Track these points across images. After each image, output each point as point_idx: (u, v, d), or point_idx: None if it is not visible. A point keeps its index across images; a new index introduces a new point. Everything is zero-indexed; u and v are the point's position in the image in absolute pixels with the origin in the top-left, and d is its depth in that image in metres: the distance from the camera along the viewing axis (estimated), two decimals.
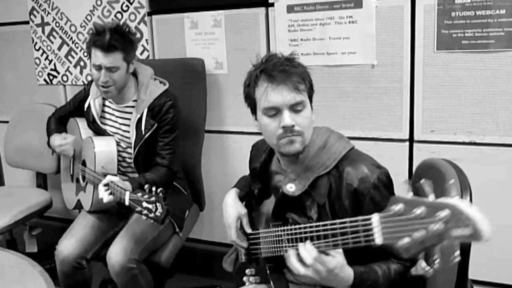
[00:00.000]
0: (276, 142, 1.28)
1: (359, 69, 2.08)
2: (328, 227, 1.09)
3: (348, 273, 1.15)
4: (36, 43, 2.88)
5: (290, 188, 1.29)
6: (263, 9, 2.23)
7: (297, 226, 1.20)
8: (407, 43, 1.97)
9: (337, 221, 1.07)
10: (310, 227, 1.14)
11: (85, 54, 1.98)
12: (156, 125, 1.96)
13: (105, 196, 1.76)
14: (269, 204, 1.43)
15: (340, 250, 1.11)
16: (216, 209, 2.57)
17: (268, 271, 1.41)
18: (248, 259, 1.53)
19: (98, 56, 1.88)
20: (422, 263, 0.86)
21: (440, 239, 0.81)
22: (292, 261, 1.14)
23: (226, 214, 1.51)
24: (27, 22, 2.87)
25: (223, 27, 2.34)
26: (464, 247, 1.06)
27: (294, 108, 1.24)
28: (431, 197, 0.85)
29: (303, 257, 1.11)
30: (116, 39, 1.87)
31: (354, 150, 1.32)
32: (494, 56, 1.85)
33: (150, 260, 2.02)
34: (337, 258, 1.11)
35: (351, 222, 1.03)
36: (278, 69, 1.24)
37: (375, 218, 0.95)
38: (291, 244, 1.22)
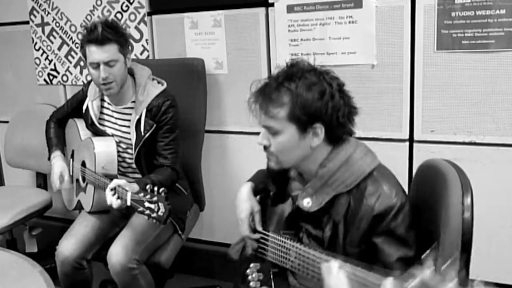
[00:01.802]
0: None
1: (359, 69, 2.08)
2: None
3: None
4: (36, 43, 2.88)
5: (307, 203, 1.25)
6: (263, 9, 2.23)
7: (310, 251, 1.20)
8: (407, 43, 1.97)
9: (358, 268, 1.05)
10: (327, 254, 1.13)
11: None
12: (155, 125, 1.96)
13: (113, 201, 1.72)
14: (281, 213, 1.42)
15: None
16: (216, 209, 2.57)
17: (271, 275, 1.40)
18: (255, 255, 1.52)
19: (94, 52, 1.87)
20: None
21: None
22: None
23: (239, 208, 1.48)
24: (27, 22, 2.87)
25: (223, 27, 2.34)
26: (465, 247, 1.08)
27: (269, 130, 1.25)
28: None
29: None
30: (108, 31, 1.86)
31: (379, 167, 1.26)
32: (494, 56, 1.85)
33: (150, 260, 2.02)
34: None
35: (366, 274, 1.02)
36: (262, 90, 1.24)
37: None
38: (298, 262, 1.22)
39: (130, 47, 2.00)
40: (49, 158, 2.21)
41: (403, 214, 1.19)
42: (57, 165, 2.14)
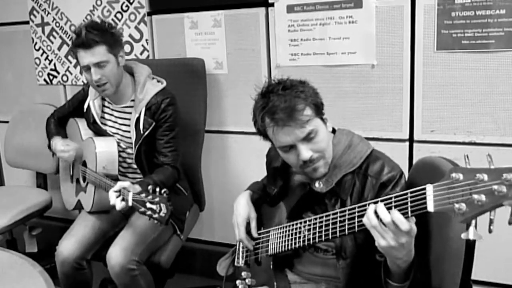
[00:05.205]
0: (301, 170, 1.33)
1: (359, 69, 2.08)
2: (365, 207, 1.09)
3: (412, 249, 1.09)
4: (36, 43, 2.88)
5: (319, 185, 1.33)
6: (263, 9, 2.23)
7: (323, 215, 1.23)
8: (407, 43, 1.97)
9: (379, 199, 1.07)
10: (350, 209, 1.15)
11: None
12: (154, 123, 1.96)
13: (117, 202, 1.70)
14: (280, 213, 1.46)
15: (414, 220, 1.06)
16: (216, 209, 2.57)
17: (271, 267, 1.43)
18: (246, 262, 1.55)
19: (83, 56, 1.88)
20: (473, 229, 0.87)
21: (503, 200, 0.81)
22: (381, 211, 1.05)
23: (237, 212, 1.54)
24: (27, 22, 2.87)
25: (223, 27, 2.34)
26: (468, 248, 1.07)
27: (307, 138, 1.26)
28: (492, 166, 0.84)
29: (389, 215, 1.03)
30: (94, 33, 1.86)
31: (374, 149, 1.38)
32: (494, 56, 1.85)
33: (150, 261, 2.02)
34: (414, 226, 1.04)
35: (397, 197, 1.03)
36: (280, 108, 1.24)
37: (429, 187, 0.95)
38: (313, 232, 1.25)
39: (121, 46, 1.99)
40: (49, 146, 2.20)
41: (401, 185, 1.29)
42: (60, 143, 2.12)
